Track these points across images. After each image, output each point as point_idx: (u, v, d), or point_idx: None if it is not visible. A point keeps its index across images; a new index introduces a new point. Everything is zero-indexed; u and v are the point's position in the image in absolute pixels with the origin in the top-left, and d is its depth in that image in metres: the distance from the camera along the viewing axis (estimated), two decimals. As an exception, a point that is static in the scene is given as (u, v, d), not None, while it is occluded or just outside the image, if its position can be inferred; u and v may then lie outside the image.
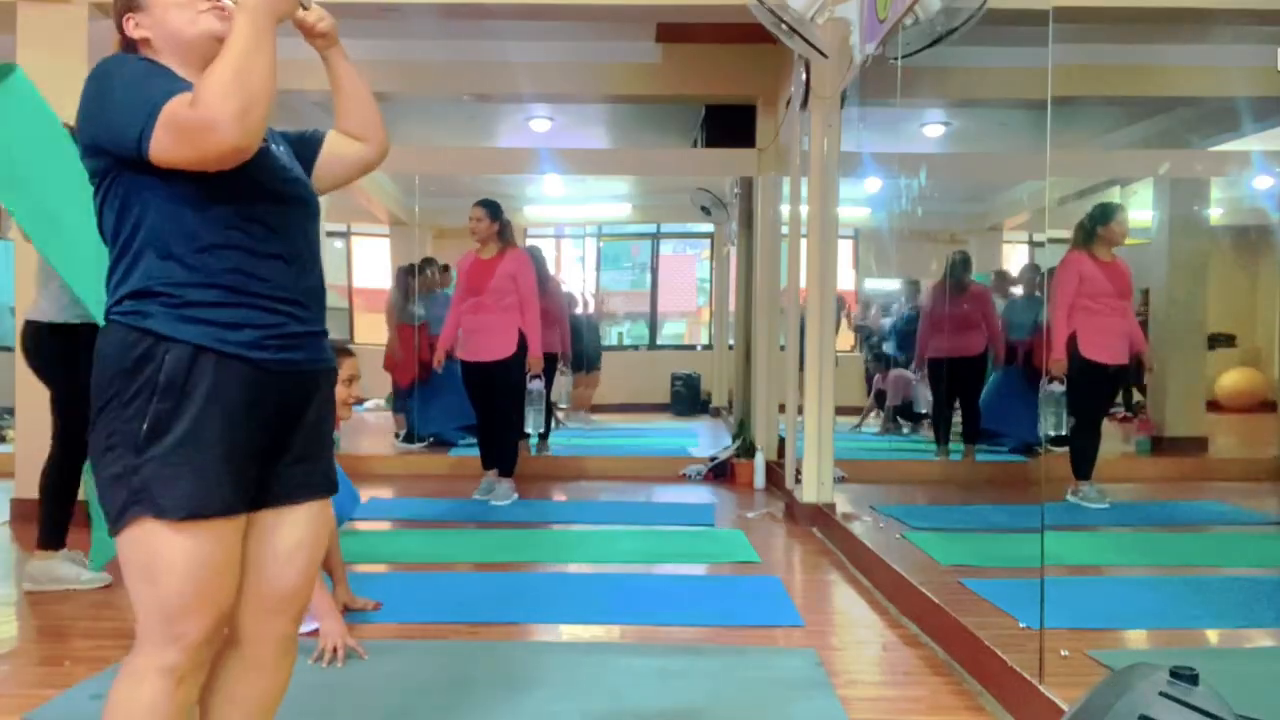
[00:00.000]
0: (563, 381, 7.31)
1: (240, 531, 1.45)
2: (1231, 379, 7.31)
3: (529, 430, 5.29)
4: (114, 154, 1.38)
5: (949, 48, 3.45)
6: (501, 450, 5.23)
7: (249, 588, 1.51)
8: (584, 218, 11.11)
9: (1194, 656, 1.80)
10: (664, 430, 8.86)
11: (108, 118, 1.36)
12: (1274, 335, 7.07)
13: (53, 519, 3.43)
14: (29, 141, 2.92)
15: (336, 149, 1.67)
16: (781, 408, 5.57)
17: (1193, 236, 6.84)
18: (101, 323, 1.44)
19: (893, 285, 8.08)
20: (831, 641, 2.93)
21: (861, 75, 4.07)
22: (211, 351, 1.39)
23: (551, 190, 9.81)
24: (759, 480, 5.78)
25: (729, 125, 6.71)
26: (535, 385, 5.11)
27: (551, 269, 8.77)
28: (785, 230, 5.42)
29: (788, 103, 5.42)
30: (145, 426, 1.36)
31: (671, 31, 5.83)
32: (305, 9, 1.50)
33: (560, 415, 8.31)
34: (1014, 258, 8.19)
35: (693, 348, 11.52)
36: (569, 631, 3.03)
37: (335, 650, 2.60)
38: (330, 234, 9.89)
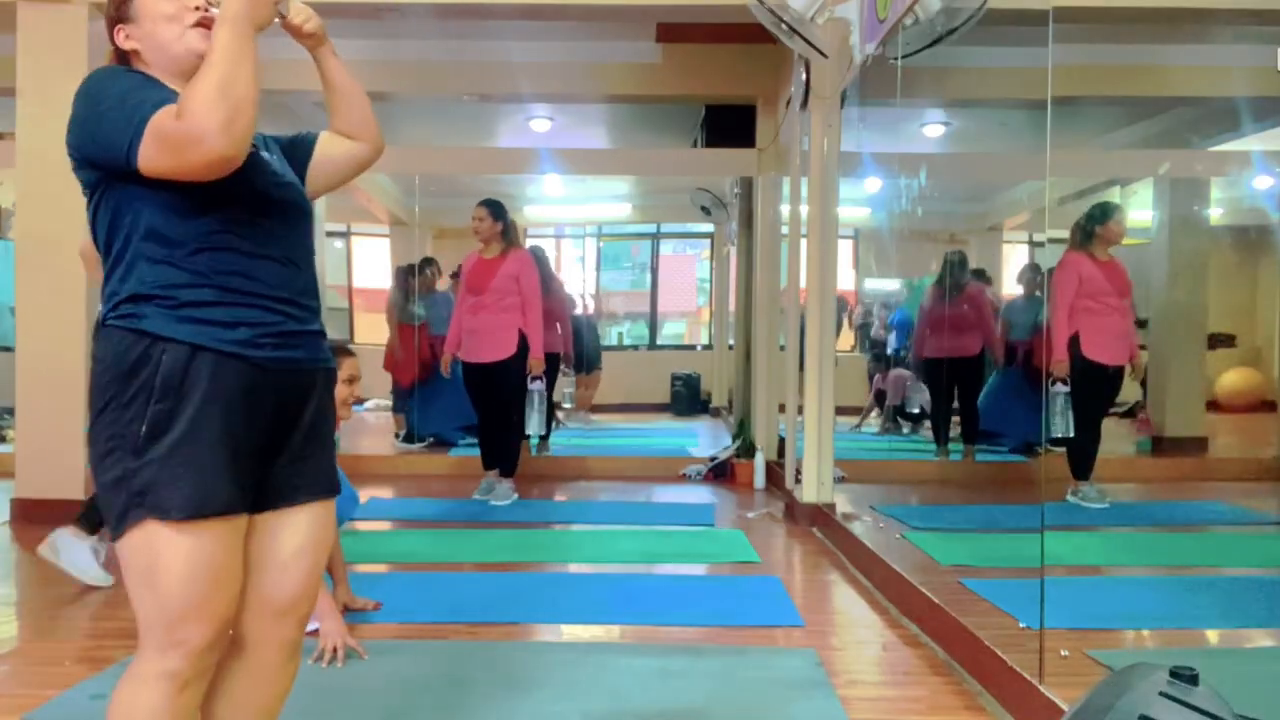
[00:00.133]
0: (564, 382, 7.31)
1: (241, 534, 1.45)
2: (1231, 379, 7.31)
3: (530, 432, 5.28)
4: (104, 166, 1.38)
5: (949, 48, 3.45)
6: (503, 451, 5.22)
7: (253, 592, 1.50)
8: (584, 218, 11.10)
9: (1194, 656, 1.80)
10: (664, 430, 8.86)
11: (96, 131, 1.37)
12: (1274, 335, 7.07)
13: None
14: None
15: (329, 150, 1.66)
16: (781, 408, 5.57)
17: (1193, 236, 6.84)
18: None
19: (893, 285, 8.09)
20: (831, 641, 2.93)
21: (861, 75, 4.07)
22: (209, 351, 1.39)
23: (551, 190, 9.81)
24: (759, 480, 5.78)
25: (729, 125, 6.71)
26: (536, 387, 5.08)
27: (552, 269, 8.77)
28: (785, 230, 5.42)
29: (788, 103, 5.42)
30: (144, 428, 1.36)
31: (671, 31, 5.83)
32: (284, 16, 1.49)
33: (561, 415, 8.31)
34: (1014, 258, 8.19)
35: (693, 348, 11.52)
36: (569, 631, 3.03)
37: (335, 650, 2.60)
38: (330, 234, 9.89)
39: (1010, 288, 7.28)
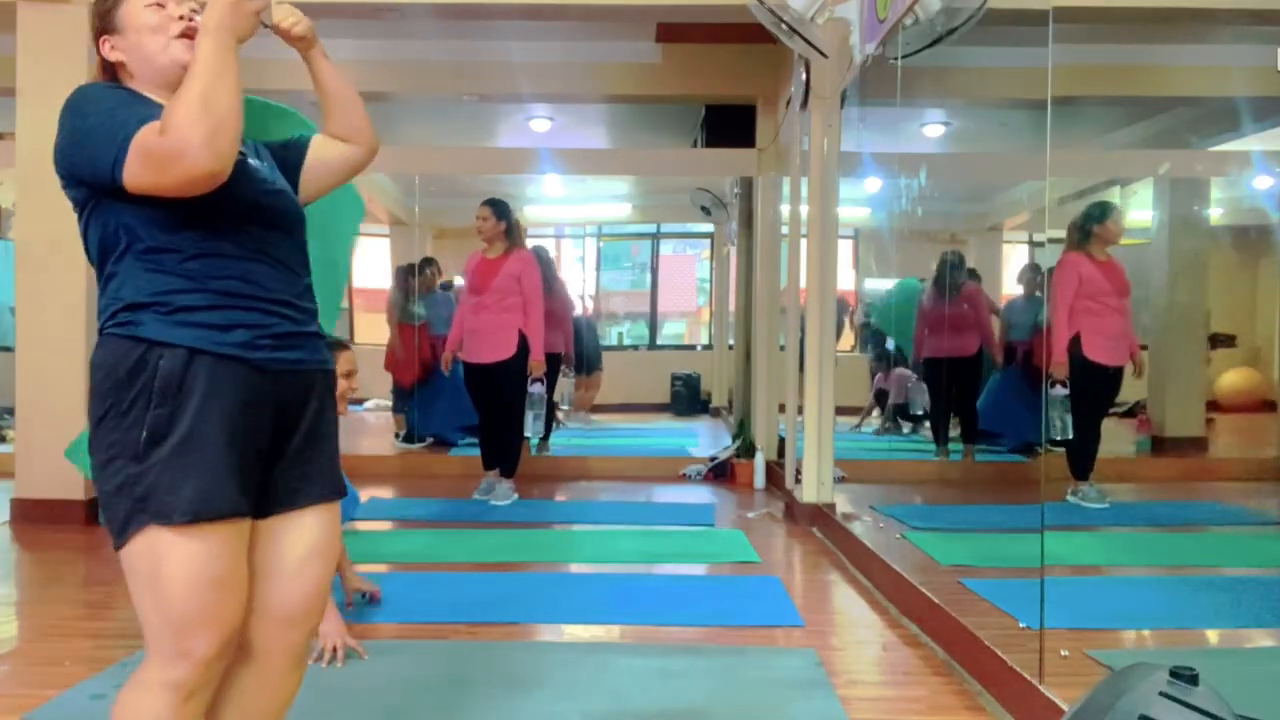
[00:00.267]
0: (564, 383, 7.30)
1: (245, 538, 1.44)
2: (1231, 379, 7.32)
3: (528, 434, 5.27)
4: (91, 184, 1.38)
5: (949, 48, 3.44)
6: (504, 451, 5.22)
7: (260, 600, 1.49)
8: (584, 218, 11.10)
9: (1194, 656, 1.80)
10: (664, 430, 8.86)
11: (82, 149, 1.36)
12: (1274, 335, 7.07)
13: None
14: None
15: (323, 153, 1.65)
16: (781, 408, 5.57)
17: (1193, 236, 6.84)
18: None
19: (893, 285, 8.07)
20: (831, 641, 2.93)
21: (861, 75, 4.07)
22: (206, 354, 1.38)
23: (551, 190, 9.81)
24: (759, 480, 5.78)
25: (729, 125, 6.71)
26: (536, 389, 5.05)
27: (552, 269, 8.76)
28: (785, 230, 5.42)
29: (787, 103, 5.42)
30: (144, 434, 1.35)
31: (671, 31, 5.83)
32: (266, 24, 1.49)
33: (561, 416, 8.30)
34: (1014, 258, 8.18)
35: (693, 348, 11.52)
36: (569, 631, 3.03)
37: (335, 650, 2.60)
38: (330, 234, 9.86)
39: (1010, 288, 7.28)
